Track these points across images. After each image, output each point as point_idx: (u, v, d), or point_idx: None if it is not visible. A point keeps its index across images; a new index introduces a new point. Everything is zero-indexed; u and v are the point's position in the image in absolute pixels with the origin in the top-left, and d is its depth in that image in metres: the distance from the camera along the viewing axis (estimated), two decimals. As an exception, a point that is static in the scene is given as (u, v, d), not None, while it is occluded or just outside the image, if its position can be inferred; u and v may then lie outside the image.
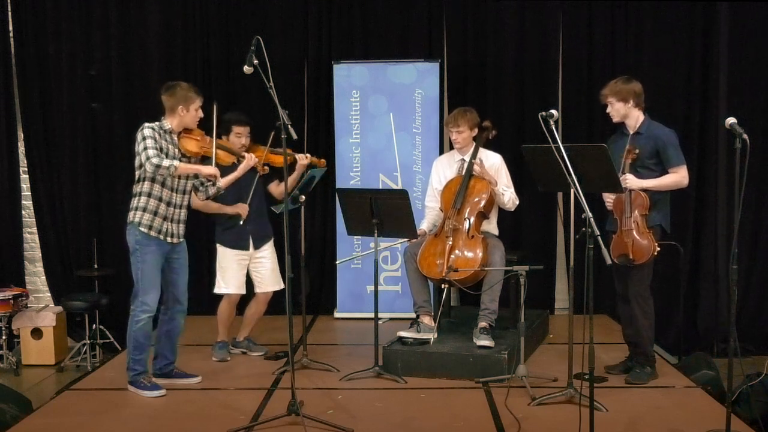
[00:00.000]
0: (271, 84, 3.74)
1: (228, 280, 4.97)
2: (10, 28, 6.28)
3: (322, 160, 5.08)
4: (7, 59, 6.29)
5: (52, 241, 6.43)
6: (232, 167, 4.61)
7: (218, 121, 4.56)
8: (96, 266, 6.00)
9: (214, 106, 4.47)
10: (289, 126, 3.81)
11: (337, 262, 6.07)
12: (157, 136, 4.22)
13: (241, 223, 4.87)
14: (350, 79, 6.14)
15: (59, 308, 6.02)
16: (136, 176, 4.28)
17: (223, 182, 4.49)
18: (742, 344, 5.72)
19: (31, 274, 6.57)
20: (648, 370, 4.49)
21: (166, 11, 6.31)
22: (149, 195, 4.25)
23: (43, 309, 6.08)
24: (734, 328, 3.64)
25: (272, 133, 4.71)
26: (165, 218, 4.30)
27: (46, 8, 6.26)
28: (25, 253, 6.52)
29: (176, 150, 4.33)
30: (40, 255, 6.48)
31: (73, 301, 5.82)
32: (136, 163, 4.24)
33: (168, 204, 4.31)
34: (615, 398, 4.14)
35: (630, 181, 4.23)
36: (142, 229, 4.23)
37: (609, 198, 4.41)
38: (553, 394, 4.11)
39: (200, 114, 4.38)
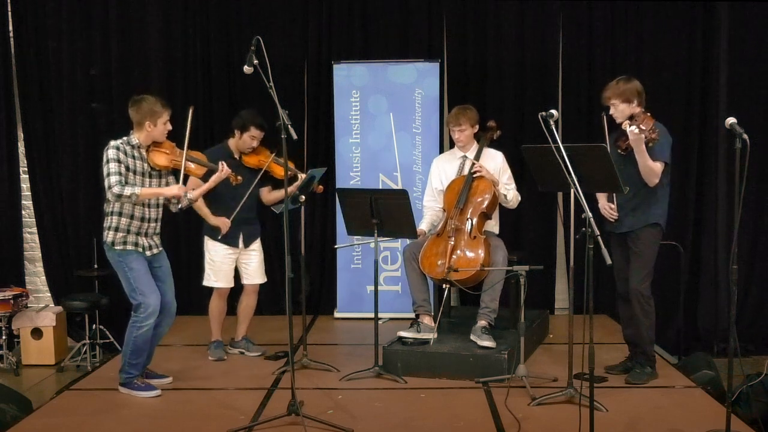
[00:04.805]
0: (271, 84, 3.73)
1: (218, 275, 5.00)
2: (10, 28, 6.28)
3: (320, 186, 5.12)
4: (7, 59, 6.29)
5: (52, 241, 6.43)
6: (208, 176, 4.50)
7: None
8: (96, 266, 6.00)
9: (191, 111, 4.33)
10: (289, 126, 3.81)
11: (336, 246, 6.06)
12: (122, 155, 4.15)
13: (219, 238, 4.91)
14: (350, 79, 6.14)
15: (59, 308, 6.02)
16: (106, 195, 4.20)
17: (195, 194, 4.40)
18: (742, 344, 5.74)
19: (31, 274, 6.57)
20: (648, 370, 4.49)
21: (166, 11, 6.30)
22: (120, 214, 4.22)
23: (43, 309, 6.07)
24: (734, 328, 3.64)
25: (277, 149, 4.73)
26: (138, 234, 4.27)
27: (46, 8, 6.26)
28: (25, 253, 6.52)
29: (145, 165, 4.28)
30: (40, 255, 6.48)
31: (73, 301, 5.81)
32: (105, 183, 4.13)
33: (141, 219, 4.27)
34: (615, 398, 4.14)
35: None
36: (117, 248, 4.22)
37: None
38: (553, 394, 4.11)
39: (168, 127, 4.30)
